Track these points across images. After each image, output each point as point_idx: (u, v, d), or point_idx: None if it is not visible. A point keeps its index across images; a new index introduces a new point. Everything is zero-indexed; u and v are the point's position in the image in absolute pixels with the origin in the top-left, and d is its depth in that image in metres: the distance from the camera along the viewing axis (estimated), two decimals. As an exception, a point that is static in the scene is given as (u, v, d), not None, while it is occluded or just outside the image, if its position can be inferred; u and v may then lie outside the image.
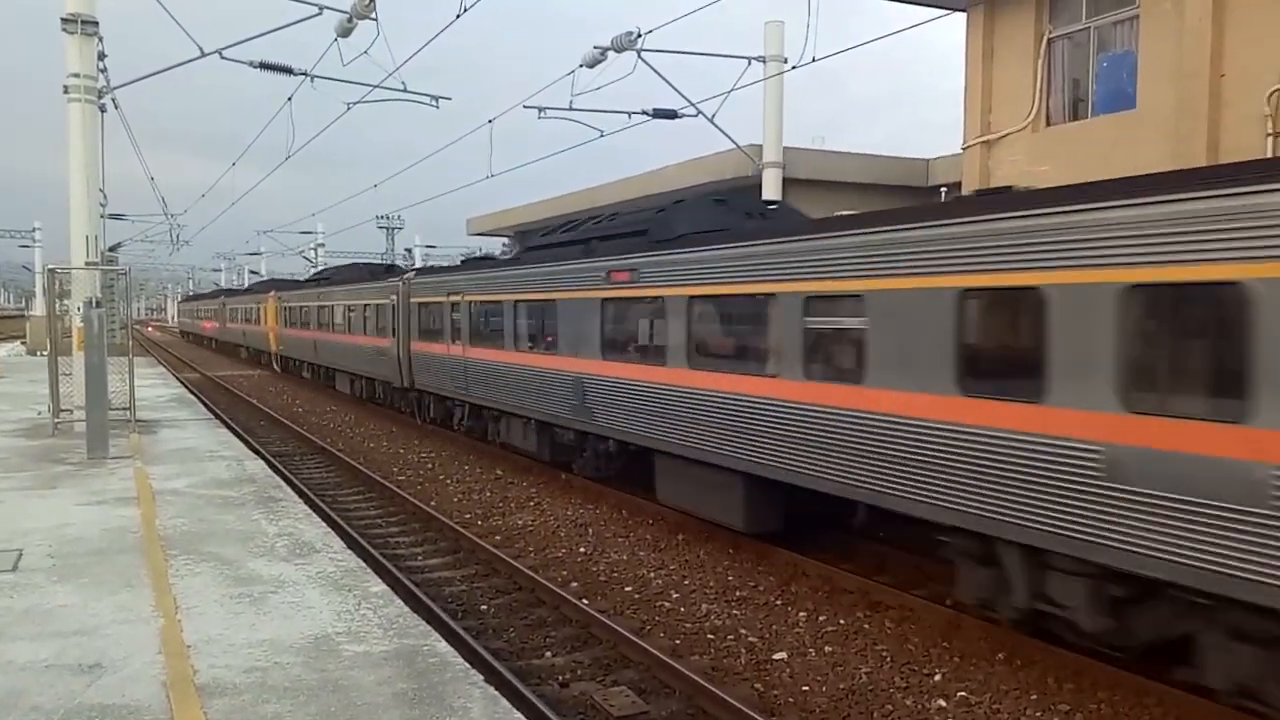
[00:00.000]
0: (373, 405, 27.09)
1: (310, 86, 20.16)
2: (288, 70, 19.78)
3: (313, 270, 64.25)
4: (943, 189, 22.83)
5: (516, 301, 16.44)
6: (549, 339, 15.19)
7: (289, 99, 21.71)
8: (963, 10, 16.92)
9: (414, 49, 18.45)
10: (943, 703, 7.49)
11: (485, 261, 21.29)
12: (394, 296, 23.07)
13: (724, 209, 12.93)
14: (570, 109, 21.30)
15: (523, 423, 16.64)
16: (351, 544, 10.86)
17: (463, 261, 23.56)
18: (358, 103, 22.11)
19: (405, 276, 23.31)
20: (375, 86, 20.83)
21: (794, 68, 18.90)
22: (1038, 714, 7.26)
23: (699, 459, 11.51)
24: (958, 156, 18.45)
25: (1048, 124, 15.94)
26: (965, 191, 16.83)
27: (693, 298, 11.56)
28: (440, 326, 20.23)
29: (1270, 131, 12.21)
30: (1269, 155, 11.83)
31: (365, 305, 25.69)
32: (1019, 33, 16.18)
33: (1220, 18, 12.82)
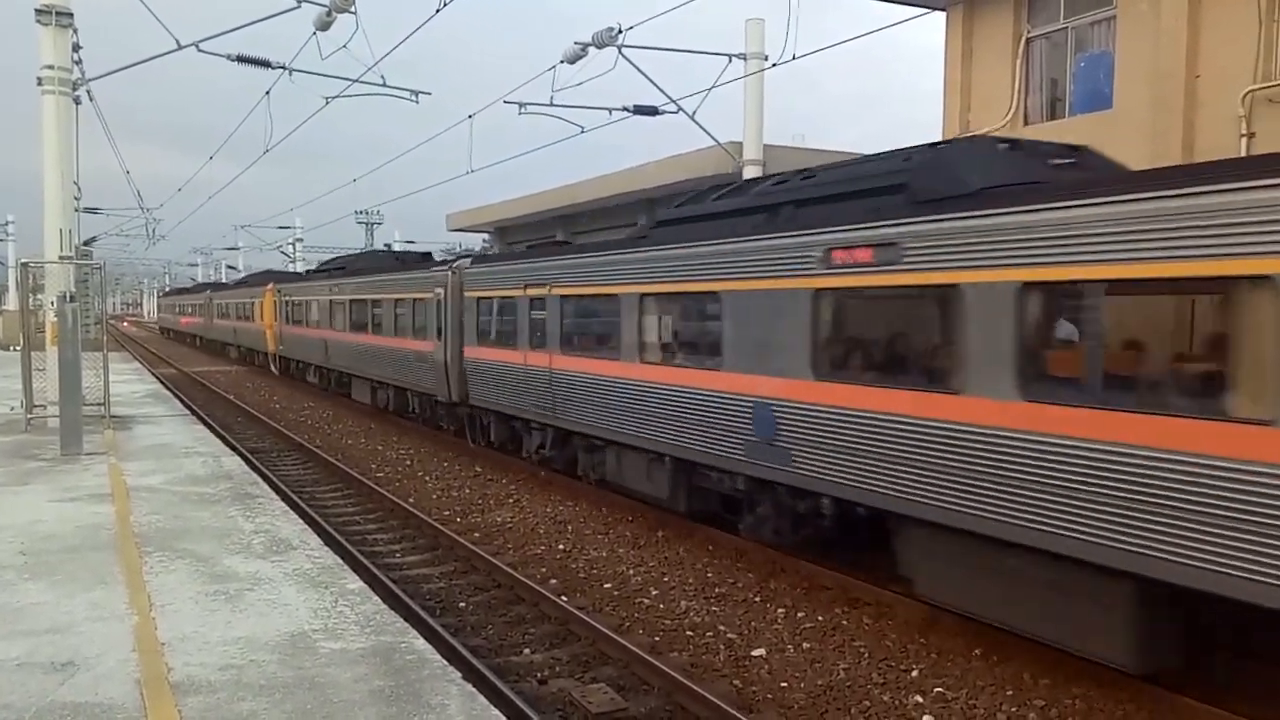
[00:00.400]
0: (400, 418, 22.82)
1: (288, 80, 20.09)
2: (265, 64, 19.68)
3: (288, 264, 63.70)
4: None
5: (644, 295, 12.38)
6: (707, 347, 11.34)
7: (267, 93, 21.57)
8: (942, 9, 17.02)
9: (393, 43, 18.35)
10: (919, 698, 7.54)
11: (565, 245, 17.92)
12: (440, 290, 18.94)
13: (1019, 154, 8.74)
14: (551, 105, 21.27)
15: (646, 459, 12.62)
16: (329, 541, 10.80)
17: (529, 248, 20.95)
18: (336, 97, 22.04)
19: (456, 265, 19.22)
20: (354, 81, 20.76)
21: (774, 65, 18.93)
22: (1013, 709, 7.32)
23: (1028, 544, 7.37)
24: (937, 155, 18.55)
25: (1026, 123, 16.06)
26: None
27: (1029, 287, 7.33)
28: (512, 328, 16.07)
29: (1244, 132, 12.35)
30: (1243, 155, 11.96)
31: (398, 300, 21.42)
32: (998, 32, 16.31)
33: (1196, 19, 12.97)
